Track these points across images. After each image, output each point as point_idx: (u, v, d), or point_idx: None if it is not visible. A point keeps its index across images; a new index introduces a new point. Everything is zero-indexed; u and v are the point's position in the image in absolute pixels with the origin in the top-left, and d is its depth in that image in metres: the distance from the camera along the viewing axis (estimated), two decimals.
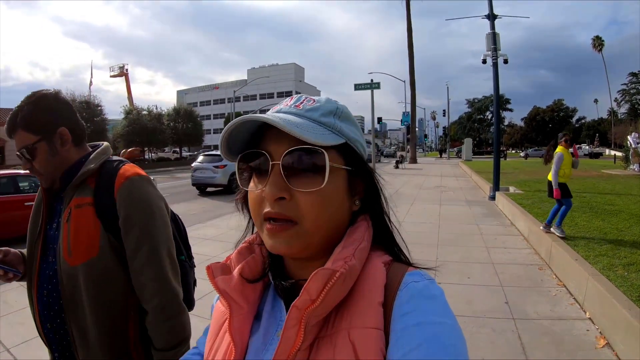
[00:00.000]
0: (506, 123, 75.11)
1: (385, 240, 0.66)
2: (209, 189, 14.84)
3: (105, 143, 1.45)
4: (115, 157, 1.42)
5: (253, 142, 0.62)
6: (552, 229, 5.69)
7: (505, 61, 12.79)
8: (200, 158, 14.79)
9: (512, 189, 11.37)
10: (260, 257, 0.69)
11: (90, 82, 53.74)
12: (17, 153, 1.28)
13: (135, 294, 1.26)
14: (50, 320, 1.26)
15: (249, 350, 0.62)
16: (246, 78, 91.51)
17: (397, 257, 0.65)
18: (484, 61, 12.76)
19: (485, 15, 12.62)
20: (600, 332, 3.28)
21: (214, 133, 79.66)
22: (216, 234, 7.46)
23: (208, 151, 16.24)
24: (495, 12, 12.54)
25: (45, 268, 1.28)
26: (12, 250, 1.35)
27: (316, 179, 0.56)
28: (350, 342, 0.52)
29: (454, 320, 0.52)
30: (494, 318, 3.63)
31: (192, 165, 14.97)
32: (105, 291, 1.23)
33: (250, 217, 0.68)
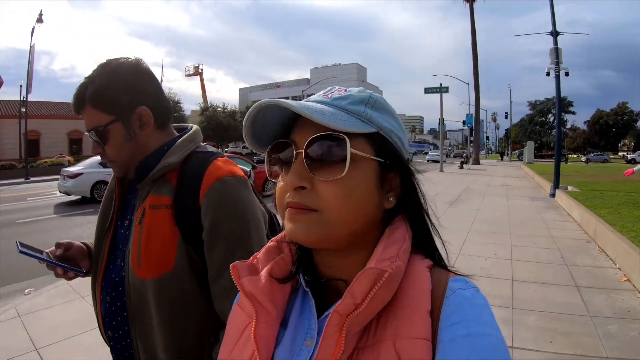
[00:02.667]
0: (568, 126, 71.88)
1: (424, 243, 0.61)
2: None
3: (195, 127, 1.19)
4: (205, 147, 1.15)
5: (283, 134, 0.59)
6: None
7: (567, 73, 14.17)
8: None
9: (570, 188, 12.81)
10: (290, 257, 0.63)
11: (161, 79, 57.54)
12: (86, 133, 1.04)
13: (216, 318, 1.02)
14: (112, 329, 1.07)
15: None
16: (307, 77, 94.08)
17: (437, 262, 0.60)
18: (548, 74, 14.20)
19: (549, 32, 14.07)
20: (624, 274, 5.18)
21: None
22: None
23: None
24: (556, 9, 13.91)
25: (111, 271, 1.08)
26: (76, 243, 1.15)
27: (339, 167, 0.52)
28: (396, 353, 0.47)
29: (500, 331, 0.49)
30: (553, 264, 5.66)
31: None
32: (180, 314, 1.01)
33: None
